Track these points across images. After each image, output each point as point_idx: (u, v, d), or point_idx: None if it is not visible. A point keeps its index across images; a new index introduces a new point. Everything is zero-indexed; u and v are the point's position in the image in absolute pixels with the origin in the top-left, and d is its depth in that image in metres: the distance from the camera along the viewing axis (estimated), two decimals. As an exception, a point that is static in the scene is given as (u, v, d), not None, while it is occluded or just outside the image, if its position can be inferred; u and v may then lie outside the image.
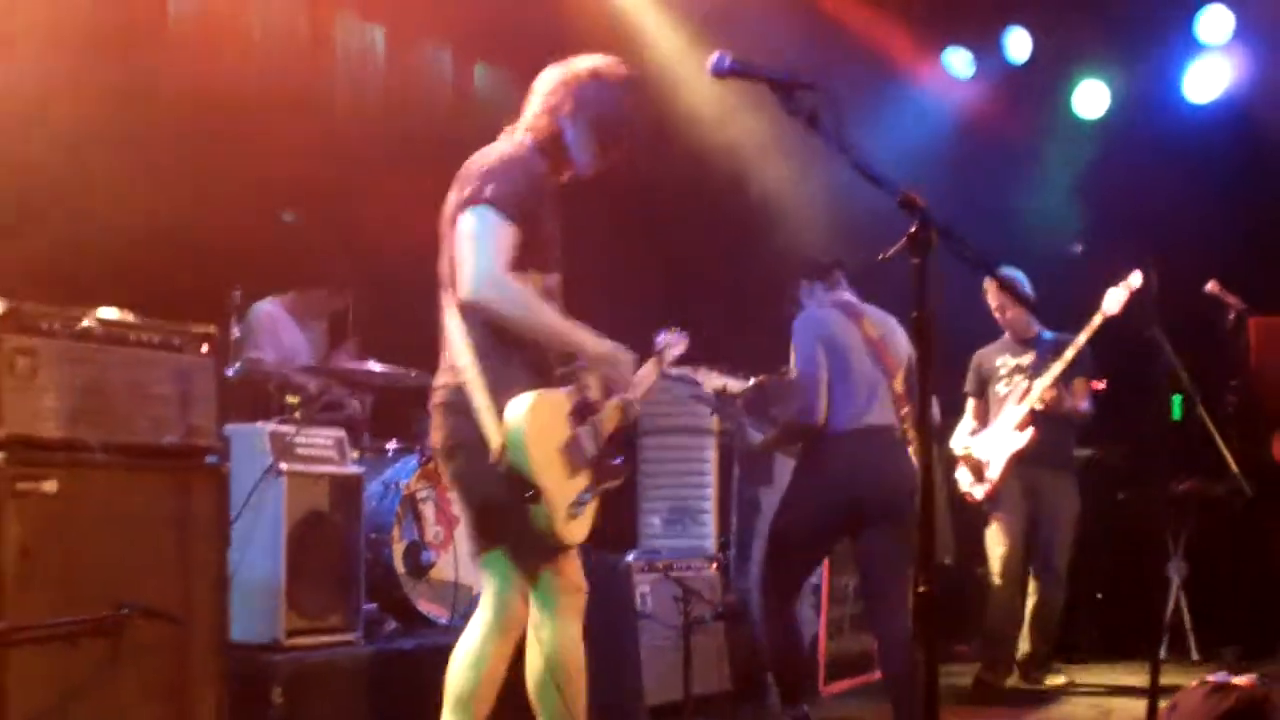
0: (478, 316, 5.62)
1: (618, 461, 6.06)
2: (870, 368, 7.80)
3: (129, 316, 6.12)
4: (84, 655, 5.69)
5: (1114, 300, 9.44)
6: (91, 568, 5.77)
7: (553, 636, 5.87)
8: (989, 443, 9.64)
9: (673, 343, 6.84)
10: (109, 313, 6.06)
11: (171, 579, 6.06)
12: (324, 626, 7.40)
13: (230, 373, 7.92)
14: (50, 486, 5.67)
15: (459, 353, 5.67)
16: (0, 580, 5.48)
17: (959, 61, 12.94)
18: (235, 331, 8.45)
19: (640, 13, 11.91)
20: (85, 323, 5.90)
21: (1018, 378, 9.73)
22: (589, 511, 5.79)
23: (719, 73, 4.86)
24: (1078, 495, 9.84)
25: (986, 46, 12.85)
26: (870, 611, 8.14)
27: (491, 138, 6.02)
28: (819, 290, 8.05)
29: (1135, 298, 9.33)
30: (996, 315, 9.93)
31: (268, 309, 9.45)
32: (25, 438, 5.64)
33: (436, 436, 5.85)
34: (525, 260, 5.63)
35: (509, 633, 5.87)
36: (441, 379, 5.80)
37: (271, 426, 7.50)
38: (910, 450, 7.75)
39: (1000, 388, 9.79)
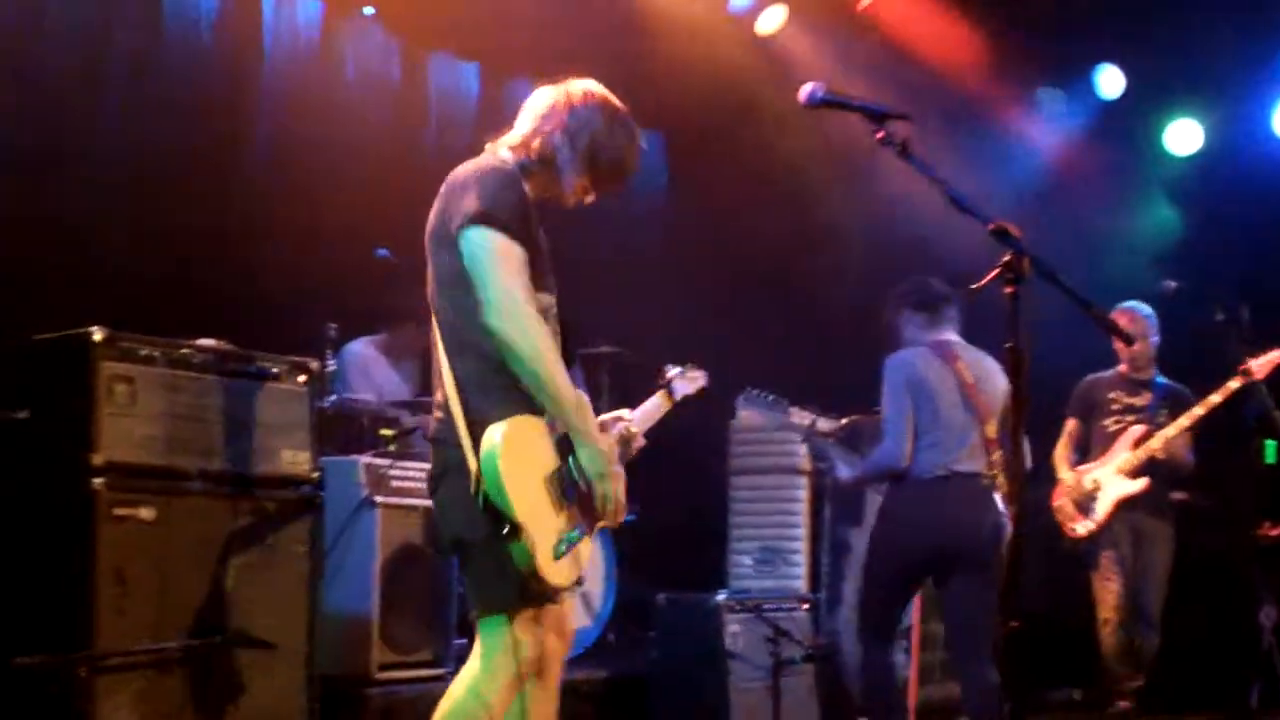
0: (475, 346, 5.13)
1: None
2: (961, 413, 7.73)
3: (227, 346, 6.17)
4: (175, 682, 5.76)
5: (1261, 366, 9.29)
6: (185, 595, 5.84)
7: (476, 687, 5.12)
8: (1098, 479, 9.52)
9: (690, 378, 6.41)
10: (207, 342, 6.11)
11: (264, 608, 6.11)
12: (415, 660, 7.42)
13: (325, 405, 7.96)
14: (147, 513, 5.73)
15: (447, 383, 5.19)
16: (95, 605, 5.55)
17: (1051, 101, 12.89)
18: (330, 365, 8.50)
19: (736, 53, 11.95)
20: (184, 351, 5.95)
21: (1129, 417, 9.57)
22: (580, 553, 5.18)
23: (812, 103, 4.88)
24: (1174, 542, 9.74)
25: (1079, 85, 12.80)
26: (954, 659, 8.10)
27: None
28: (919, 323, 7.95)
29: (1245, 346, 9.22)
30: (1118, 347, 9.71)
31: (358, 349, 9.50)
32: (123, 464, 5.72)
33: (431, 470, 5.37)
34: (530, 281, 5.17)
35: (541, 679, 5.26)
36: (434, 416, 5.30)
37: (366, 459, 7.53)
38: (998, 496, 7.68)
39: (1109, 423, 9.63)
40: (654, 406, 6.10)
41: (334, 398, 8.32)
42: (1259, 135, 12.38)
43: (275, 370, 6.28)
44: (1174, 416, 9.49)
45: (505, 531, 4.86)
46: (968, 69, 12.35)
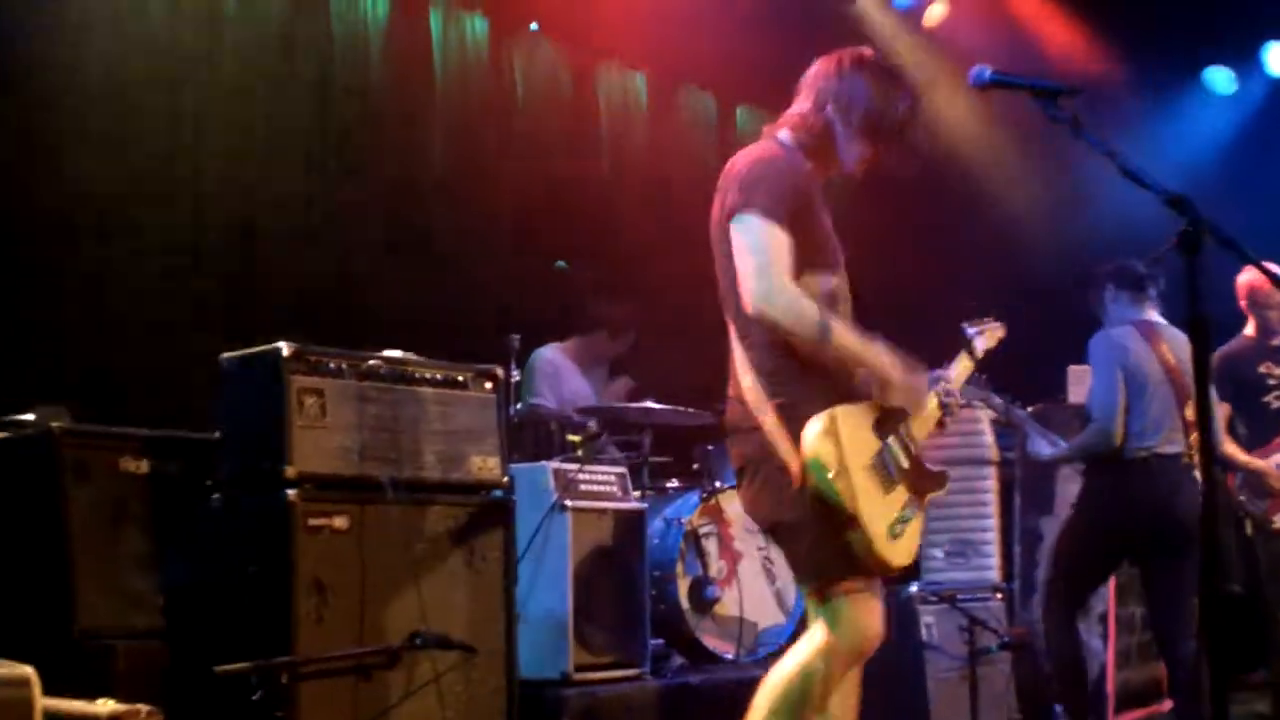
0: (762, 334, 5.14)
1: (938, 470, 5.47)
2: (1166, 393, 7.73)
3: (413, 357, 6.26)
4: (375, 687, 5.81)
5: None
6: (383, 602, 5.90)
7: (807, 664, 5.09)
8: None
9: (989, 331, 6.25)
10: (394, 354, 6.20)
11: (461, 613, 6.16)
12: (611, 662, 7.44)
13: (512, 414, 8.04)
14: (341, 523, 5.80)
15: (743, 374, 5.22)
16: (294, 614, 5.63)
17: (1220, 79, 12.76)
18: (515, 375, 8.58)
19: (898, 47, 11.95)
20: (371, 363, 6.04)
21: None
22: (913, 529, 5.20)
23: (980, 84, 4.85)
24: None
25: (1247, 62, 12.66)
26: (1158, 640, 8.06)
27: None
28: (1124, 301, 7.98)
29: None
30: (1252, 315, 9.47)
31: (549, 355, 9.60)
32: (316, 475, 5.80)
33: (733, 464, 5.39)
34: (801, 264, 5.12)
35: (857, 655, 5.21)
36: (731, 406, 5.32)
37: (555, 464, 7.58)
38: (1198, 475, 7.60)
39: (1271, 399, 9.38)
40: (961, 368, 5.98)
41: (520, 405, 8.40)
42: None
43: (462, 379, 6.35)
44: None
45: (843, 521, 4.92)
46: (1130, 52, 12.29)
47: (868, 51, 5.51)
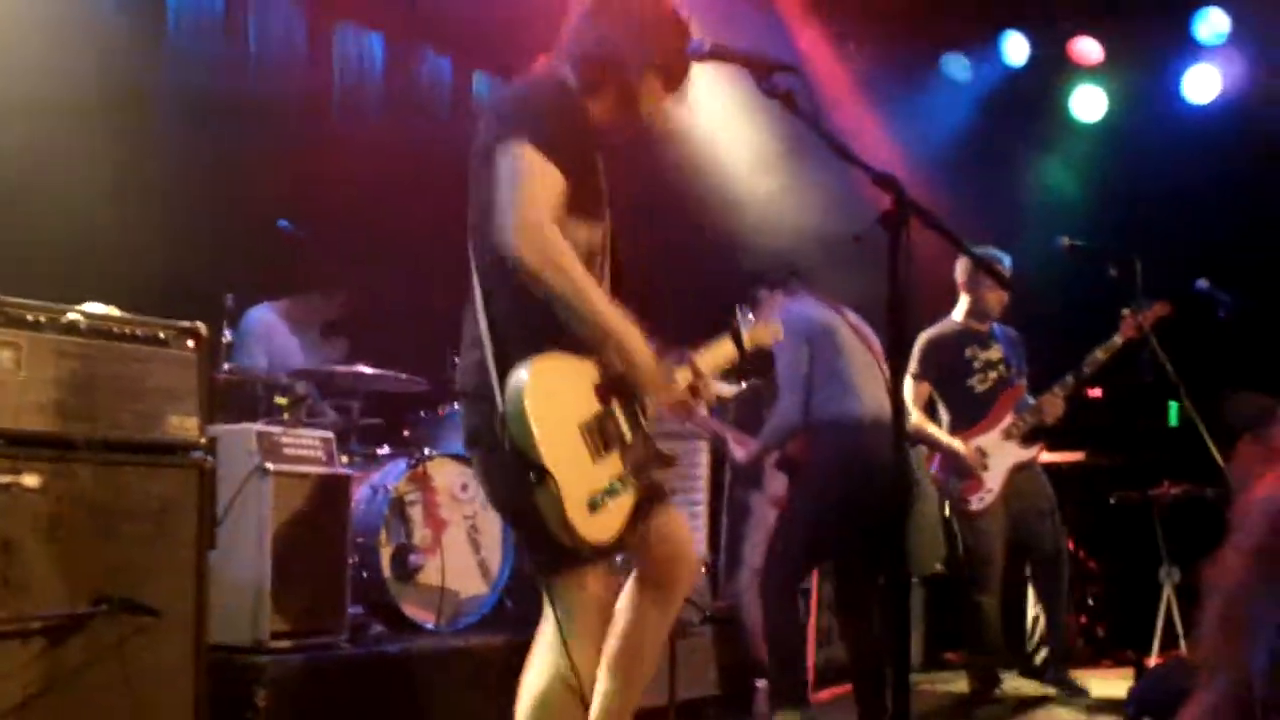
0: (505, 279, 4.66)
1: (667, 452, 5.05)
2: (863, 355, 7.83)
3: (115, 311, 6.13)
4: (63, 652, 5.68)
5: (1145, 319, 9.25)
6: (72, 563, 5.75)
7: (553, 668, 4.85)
8: (984, 446, 9.43)
9: (764, 324, 5.86)
10: (95, 307, 6.07)
11: (153, 576, 6.02)
12: (308, 629, 7.36)
13: (219, 374, 7.94)
14: (31, 480, 5.66)
15: (481, 325, 4.76)
16: (-20, 574, 5.50)
17: (957, 66, 12.96)
18: (227, 335, 8.48)
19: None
20: (71, 317, 5.90)
21: (993, 375, 9.52)
22: (620, 507, 4.72)
23: (698, 55, 4.88)
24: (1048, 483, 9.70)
25: (984, 51, 12.88)
26: (843, 619, 8.19)
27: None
28: (780, 300, 7.96)
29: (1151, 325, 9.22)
30: (967, 296, 9.61)
31: (261, 314, 9.51)
32: (8, 432, 5.64)
33: (464, 437, 5.02)
34: (572, 209, 4.73)
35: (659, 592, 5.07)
36: (464, 359, 4.91)
37: (259, 427, 7.46)
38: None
39: (975, 382, 9.52)
40: (719, 354, 5.53)
41: (228, 366, 8.30)
42: (1168, 101, 12.50)
43: (163, 336, 6.20)
44: (1022, 370, 9.55)
45: (531, 477, 4.48)
46: (874, 34, 12.42)
47: None
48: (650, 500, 4.97)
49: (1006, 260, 9.15)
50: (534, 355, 4.59)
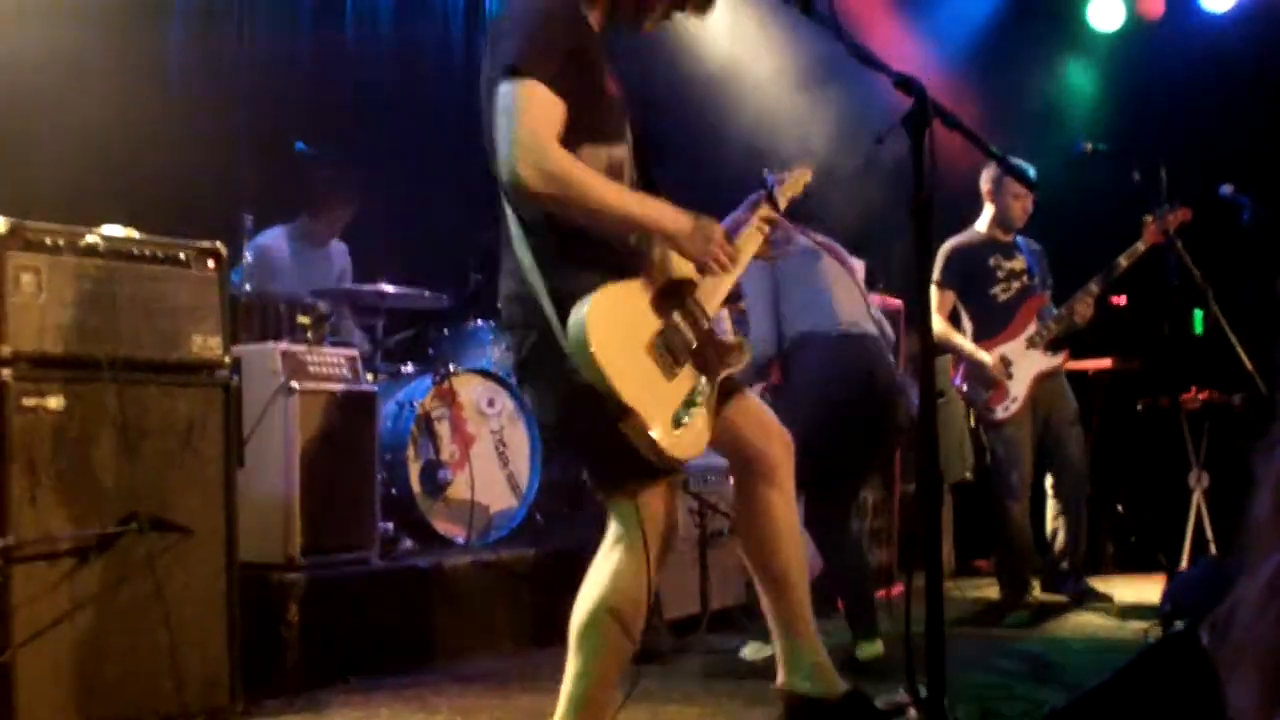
0: (534, 211, 4.62)
1: (735, 340, 5.02)
2: (835, 270, 7.69)
3: (134, 233, 6.11)
4: (92, 571, 5.71)
5: (1169, 222, 9.17)
6: (99, 484, 5.77)
7: (624, 572, 4.71)
8: (1007, 355, 9.37)
9: (794, 176, 5.76)
10: (114, 230, 6.05)
11: (181, 496, 6.04)
12: (338, 545, 7.37)
13: (240, 294, 7.92)
14: (56, 403, 5.66)
15: (520, 256, 4.68)
16: (6, 496, 5.49)
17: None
18: (247, 256, 8.44)
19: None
20: (90, 239, 5.88)
21: (1015, 284, 9.45)
22: (701, 415, 4.69)
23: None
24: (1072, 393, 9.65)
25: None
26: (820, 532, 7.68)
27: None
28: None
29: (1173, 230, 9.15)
30: (992, 205, 9.53)
31: (267, 244, 9.39)
32: (31, 354, 5.64)
33: (513, 366, 5.02)
34: (581, 130, 4.62)
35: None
36: (504, 288, 4.81)
37: (283, 345, 7.44)
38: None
39: (998, 291, 9.44)
40: (749, 218, 5.45)
41: (248, 287, 8.27)
42: (1186, 9, 12.40)
43: (183, 256, 6.18)
44: (1045, 282, 9.50)
45: (615, 415, 4.41)
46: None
47: None
48: (726, 394, 4.95)
49: (1031, 171, 9.06)
50: (588, 283, 4.52)
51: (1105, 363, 10.98)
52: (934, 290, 9.29)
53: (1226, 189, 9.40)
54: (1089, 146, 9.41)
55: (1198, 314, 10.03)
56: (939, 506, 4.95)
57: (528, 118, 4.45)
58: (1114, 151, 9.42)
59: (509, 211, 4.74)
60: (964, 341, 9.29)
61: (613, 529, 4.76)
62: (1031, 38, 12.82)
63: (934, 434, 4.66)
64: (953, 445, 8.85)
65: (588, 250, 4.64)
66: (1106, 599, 9.48)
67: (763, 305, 7.56)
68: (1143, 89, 12.17)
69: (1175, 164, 9.11)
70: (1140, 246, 9.13)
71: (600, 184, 4.56)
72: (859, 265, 8.05)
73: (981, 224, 9.51)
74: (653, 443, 4.43)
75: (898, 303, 10.03)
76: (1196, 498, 10.36)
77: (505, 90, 4.50)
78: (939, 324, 9.23)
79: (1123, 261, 9.16)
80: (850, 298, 7.62)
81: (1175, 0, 12.48)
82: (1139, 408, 10.86)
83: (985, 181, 9.45)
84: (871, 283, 9.76)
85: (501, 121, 4.50)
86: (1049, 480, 9.60)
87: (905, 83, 4.46)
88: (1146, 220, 9.13)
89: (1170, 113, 11.43)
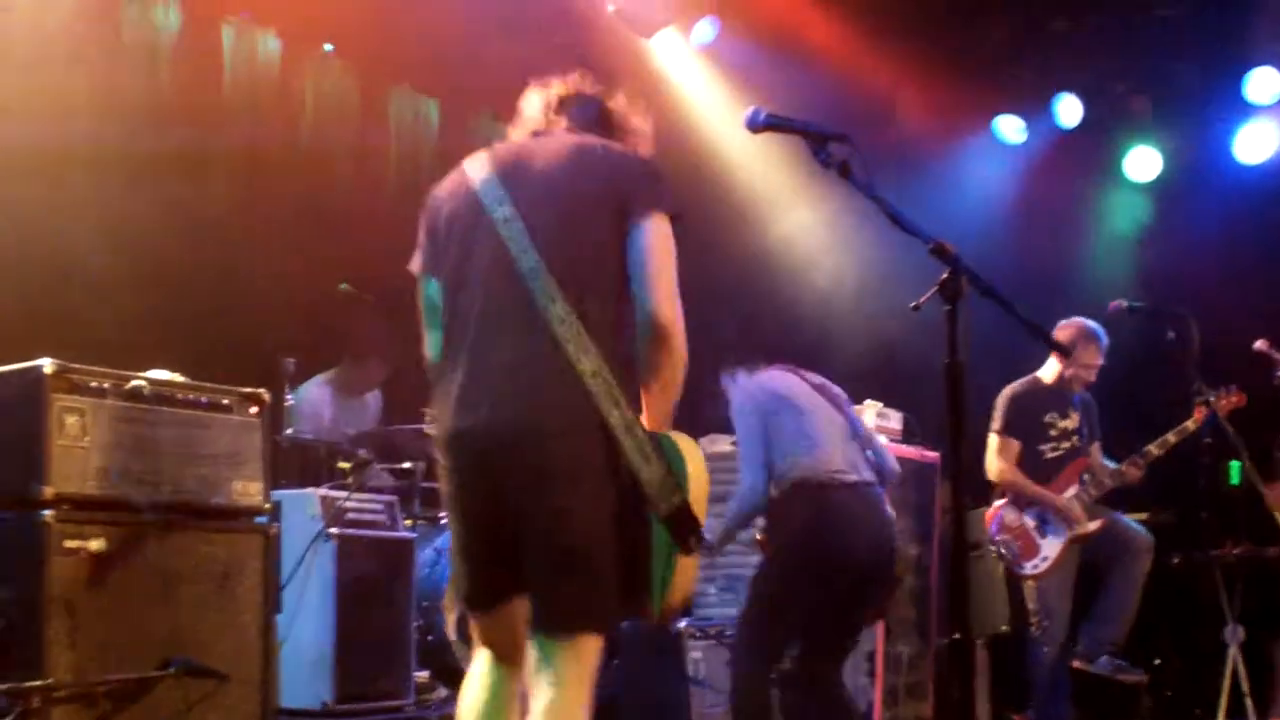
0: (623, 327, 4.63)
1: None
2: (827, 412, 7.55)
3: (178, 378, 6.17)
4: (129, 715, 5.73)
5: (1222, 407, 9.20)
6: (138, 627, 5.81)
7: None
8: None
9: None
10: (159, 374, 6.11)
11: (220, 640, 6.08)
12: (374, 692, 7.38)
13: (281, 439, 7.96)
14: (97, 545, 5.71)
15: (580, 358, 4.50)
16: (45, 638, 5.52)
17: (1010, 128, 12.92)
18: (289, 399, 8.48)
19: (679, 70, 12.08)
20: (135, 383, 5.94)
21: (1065, 445, 9.46)
22: None
23: (754, 126, 4.88)
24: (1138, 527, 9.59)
25: (1038, 113, 12.84)
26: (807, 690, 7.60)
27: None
28: (741, 376, 7.65)
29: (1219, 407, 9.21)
30: (1061, 362, 9.47)
31: (311, 394, 9.43)
32: (73, 496, 5.70)
33: (552, 466, 4.57)
34: None
35: None
36: (549, 406, 4.55)
37: (323, 491, 7.50)
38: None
39: (1047, 449, 9.46)
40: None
41: (290, 431, 8.31)
42: (1220, 162, 12.45)
43: (226, 402, 6.26)
44: (1094, 435, 9.49)
45: (693, 546, 4.41)
46: (926, 97, 12.43)
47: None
48: None
49: (1104, 337, 9.17)
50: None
51: (1140, 516, 10.97)
52: (997, 437, 9.33)
53: (1261, 344, 9.42)
54: (1123, 304, 9.45)
55: (1234, 465, 10.00)
56: (972, 661, 4.94)
57: (675, 270, 4.63)
58: (1147, 308, 9.47)
59: (564, 310, 4.57)
60: (1038, 488, 9.27)
61: (550, 674, 4.53)
62: (1067, 191, 12.87)
63: (965, 587, 4.67)
64: (988, 598, 8.83)
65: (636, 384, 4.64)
66: (1139, 677, 9.42)
67: (750, 453, 7.43)
68: (1178, 240, 12.20)
69: (1208, 318, 9.16)
70: (1190, 426, 9.18)
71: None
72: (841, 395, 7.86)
73: (1046, 374, 9.51)
74: (690, 584, 4.53)
75: (934, 455, 10.03)
76: (1233, 652, 10.30)
77: (666, 232, 4.66)
78: (1010, 471, 9.32)
79: (1171, 439, 9.21)
80: (840, 437, 7.48)
81: (1210, 153, 12.53)
82: (1175, 561, 10.82)
83: (1064, 337, 9.40)
84: (909, 435, 9.79)
85: (659, 257, 4.62)
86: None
87: (939, 250, 4.52)
88: (1199, 400, 9.17)
89: (1205, 266, 11.46)
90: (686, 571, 4.46)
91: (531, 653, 4.61)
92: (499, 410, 4.59)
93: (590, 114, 5.09)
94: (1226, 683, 10.23)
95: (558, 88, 5.16)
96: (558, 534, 4.50)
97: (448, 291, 4.84)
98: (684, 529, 4.39)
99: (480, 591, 4.89)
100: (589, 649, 4.55)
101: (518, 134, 5.15)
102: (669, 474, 4.40)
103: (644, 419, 4.55)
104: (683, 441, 4.54)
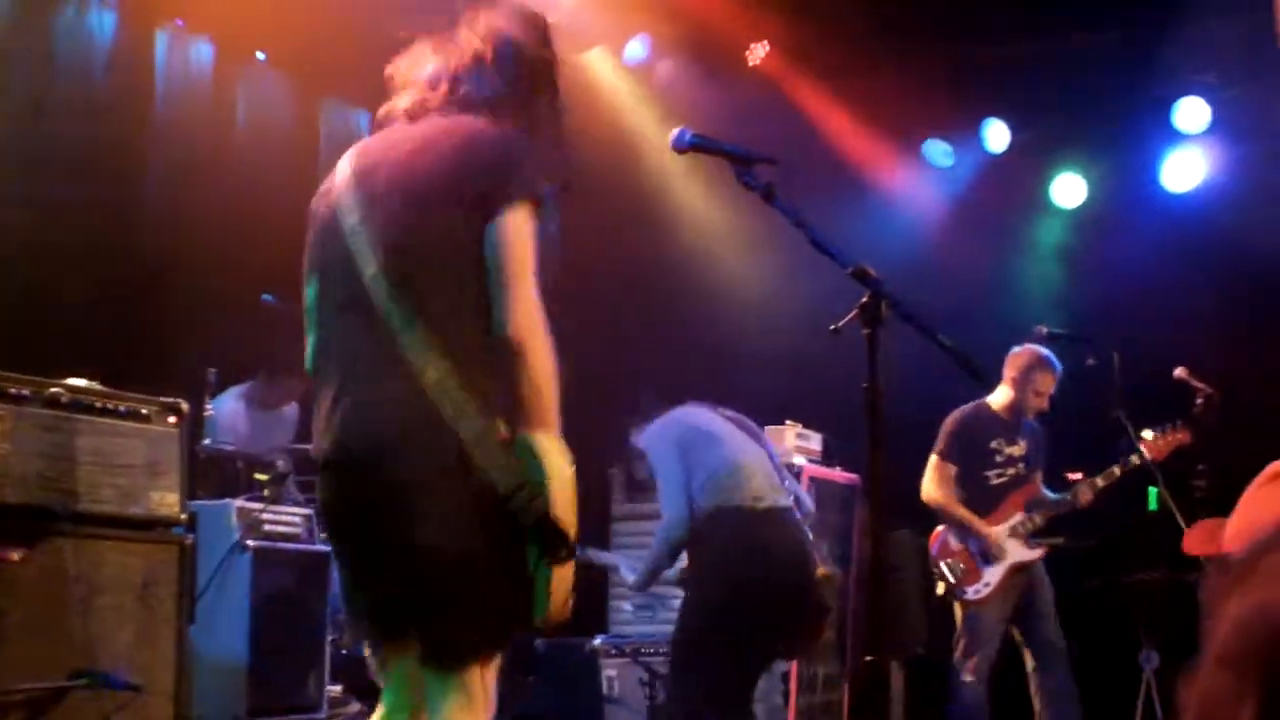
0: (469, 340, 4.28)
1: None
2: (744, 441, 7.48)
3: (97, 386, 6.15)
4: (41, 726, 5.70)
5: (1160, 449, 9.28)
6: (52, 637, 5.77)
7: None
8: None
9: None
10: (78, 382, 6.09)
11: (136, 651, 6.05)
12: (286, 705, 7.36)
13: (200, 449, 7.91)
14: (13, 554, 5.67)
15: (430, 364, 4.22)
16: (-42, 647, 5.50)
17: (938, 152, 12.99)
18: (209, 410, 8.43)
19: (611, 88, 12.11)
20: (54, 390, 5.92)
21: (1010, 471, 9.46)
22: None
23: (680, 147, 4.85)
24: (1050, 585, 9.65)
25: (966, 138, 12.91)
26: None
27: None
28: (654, 423, 7.63)
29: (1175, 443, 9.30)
30: (1011, 391, 9.55)
31: (228, 406, 9.34)
32: (-10, 504, 5.65)
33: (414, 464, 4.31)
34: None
35: None
36: (389, 389, 4.29)
37: (239, 502, 7.48)
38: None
39: (992, 475, 9.50)
40: None
41: (208, 442, 8.26)
42: (1147, 189, 12.53)
43: (145, 411, 6.24)
44: (1040, 464, 9.54)
45: (549, 553, 4.16)
46: (855, 119, 12.49)
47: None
48: None
49: (1057, 365, 9.26)
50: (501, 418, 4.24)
51: (1055, 540, 11.04)
52: (936, 459, 9.36)
53: (1180, 372, 9.49)
54: (1044, 330, 9.51)
55: (1152, 491, 10.06)
56: (886, 682, 4.97)
57: (532, 271, 4.32)
58: (1070, 335, 9.55)
59: (413, 305, 4.33)
60: (967, 514, 9.28)
61: (445, 710, 4.35)
62: (994, 215, 12.94)
63: (879, 608, 4.70)
64: (906, 620, 8.86)
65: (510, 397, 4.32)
66: None
67: (669, 490, 7.32)
68: (1105, 267, 12.28)
69: (1132, 344, 9.23)
70: (1135, 460, 9.23)
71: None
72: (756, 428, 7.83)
73: (995, 401, 9.50)
74: (567, 594, 4.27)
75: (854, 477, 10.07)
76: (1147, 676, 10.37)
77: (524, 221, 4.29)
78: (941, 495, 9.33)
79: (1117, 471, 9.26)
80: (760, 466, 7.39)
81: (1137, 179, 12.61)
82: (1090, 585, 10.89)
83: (1013, 367, 9.44)
84: (828, 457, 9.83)
85: (525, 257, 4.30)
86: (1030, 663, 9.52)
87: (860, 273, 4.54)
88: (1144, 437, 9.23)
89: (1131, 292, 11.54)
90: (564, 580, 4.22)
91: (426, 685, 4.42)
92: (344, 435, 4.38)
93: (486, 89, 4.63)
94: (1140, 706, 10.30)
95: (455, 58, 4.72)
96: (418, 566, 4.26)
97: (317, 298, 4.60)
98: (551, 539, 4.17)
99: (363, 628, 4.73)
100: (479, 676, 4.31)
101: (399, 106, 4.75)
102: (525, 483, 4.15)
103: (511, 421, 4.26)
104: (543, 444, 4.21)
